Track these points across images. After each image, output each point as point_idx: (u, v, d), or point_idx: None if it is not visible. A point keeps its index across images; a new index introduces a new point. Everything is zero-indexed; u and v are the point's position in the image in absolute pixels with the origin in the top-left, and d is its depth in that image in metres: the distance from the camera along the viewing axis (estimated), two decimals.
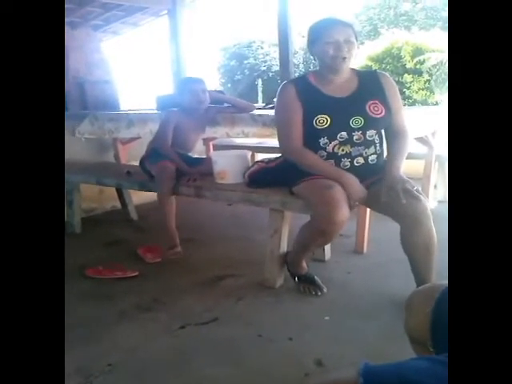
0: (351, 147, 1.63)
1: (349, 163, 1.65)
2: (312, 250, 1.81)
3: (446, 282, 0.77)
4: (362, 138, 1.64)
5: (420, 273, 1.58)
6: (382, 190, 1.57)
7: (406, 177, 1.61)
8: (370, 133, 1.65)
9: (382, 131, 1.74)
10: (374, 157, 1.68)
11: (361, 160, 1.66)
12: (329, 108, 1.64)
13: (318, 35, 1.63)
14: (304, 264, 1.82)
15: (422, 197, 1.54)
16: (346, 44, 1.58)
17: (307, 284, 1.78)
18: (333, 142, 1.63)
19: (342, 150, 1.64)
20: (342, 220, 1.52)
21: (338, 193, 1.57)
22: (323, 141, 1.64)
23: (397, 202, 1.51)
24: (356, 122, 1.63)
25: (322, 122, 1.62)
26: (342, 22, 1.63)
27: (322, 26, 1.64)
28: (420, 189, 1.59)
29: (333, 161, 1.65)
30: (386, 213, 1.61)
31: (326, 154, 1.65)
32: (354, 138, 1.63)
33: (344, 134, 1.63)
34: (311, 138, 1.66)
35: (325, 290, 1.76)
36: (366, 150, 1.65)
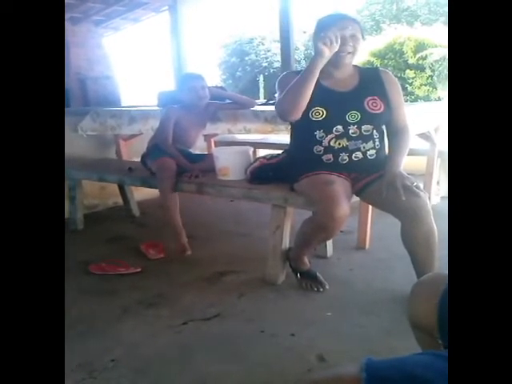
0: (348, 141, 1.63)
1: (347, 158, 1.64)
2: (313, 245, 1.81)
3: None
4: (358, 133, 1.63)
5: (421, 269, 1.58)
6: (381, 186, 1.57)
7: (408, 173, 1.61)
8: (366, 127, 1.64)
9: (383, 127, 1.74)
10: (372, 152, 1.67)
11: (359, 155, 1.65)
12: (325, 101, 1.64)
13: (324, 29, 1.62)
14: (306, 260, 1.82)
15: (421, 193, 1.53)
16: (352, 39, 1.59)
17: (309, 280, 1.79)
18: (329, 136, 1.63)
19: (339, 144, 1.63)
20: (342, 216, 1.52)
21: (338, 189, 1.57)
22: (319, 134, 1.64)
23: (396, 199, 1.51)
24: (352, 116, 1.62)
25: (317, 114, 1.62)
26: (349, 18, 1.64)
27: (329, 20, 1.64)
28: (420, 185, 1.59)
29: (331, 155, 1.65)
30: (387, 209, 1.61)
31: (322, 148, 1.65)
32: (350, 131, 1.62)
33: (340, 127, 1.62)
34: (307, 130, 1.66)
35: (327, 286, 1.77)
36: (364, 144, 1.65)
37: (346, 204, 1.53)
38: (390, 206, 1.58)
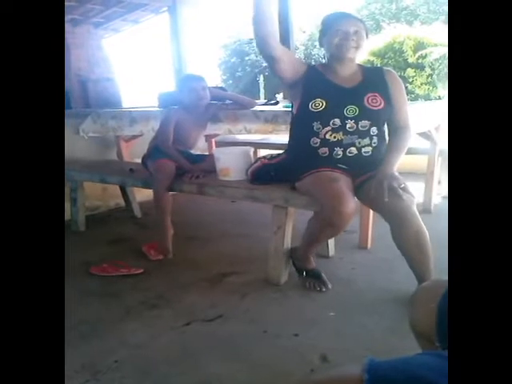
0: (343, 135, 1.63)
1: (341, 152, 1.65)
2: (321, 242, 1.81)
3: None
4: (355, 127, 1.64)
5: (417, 270, 1.59)
6: (371, 185, 1.57)
7: (409, 172, 1.61)
8: (364, 123, 1.64)
9: (385, 127, 1.74)
10: (368, 149, 1.67)
11: (354, 150, 1.65)
12: (326, 93, 1.66)
13: (329, 25, 1.67)
14: (312, 259, 1.82)
15: (405, 195, 1.52)
16: (355, 35, 1.62)
17: (313, 279, 1.79)
18: (325, 128, 1.64)
19: (334, 137, 1.64)
20: (350, 212, 1.52)
21: (344, 185, 1.57)
22: (316, 125, 1.65)
23: (382, 200, 1.51)
24: (350, 111, 1.63)
25: (317, 105, 1.64)
26: (353, 16, 1.70)
27: (335, 16, 1.69)
28: (408, 186, 1.57)
29: (326, 149, 1.65)
30: (375, 210, 1.63)
31: (319, 140, 1.65)
32: (347, 126, 1.63)
33: (337, 120, 1.63)
34: (305, 122, 1.67)
35: (330, 286, 1.77)
36: (360, 140, 1.65)
37: (352, 200, 1.54)
38: (378, 207, 1.59)
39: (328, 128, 1.64)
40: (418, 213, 1.54)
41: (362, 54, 1.69)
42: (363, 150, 1.66)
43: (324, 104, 1.63)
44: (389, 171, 1.59)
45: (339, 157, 1.65)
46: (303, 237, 1.75)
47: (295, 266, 1.85)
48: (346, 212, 1.51)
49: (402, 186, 1.54)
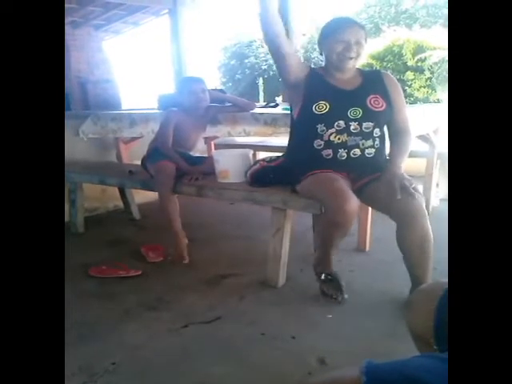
0: (347, 136, 1.64)
1: (345, 154, 1.66)
2: (333, 244, 1.69)
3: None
4: (359, 129, 1.65)
5: (414, 271, 1.58)
6: (379, 186, 1.57)
7: (408, 175, 1.61)
8: (367, 125, 1.65)
9: (385, 129, 1.74)
10: (371, 150, 1.68)
11: (357, 152, 1.66)
12: (329, 96, 1.67)
13: (330, 32, 1.66)
14: (331, 262, 1.74)
15: (417, 194, 1.53)
16: (356, 45, 1.62)
17: (331, 285, 1.70)
18: (329, 130, 1.65)
19: (338, 139, 1.65)
20: (353, 210, 1.52)
21: (344, 184, 1.58)
22: (320, 128, 1.65)
23: (392, 199, 1.51)
24: (354, 112, 1.64)
25: (321, 107, 1.64)
26: (356, 23, 1.68)
27: (337, 24, 1.67)
28: (419, 187, 1.59)
29: (330, 150, 1.66)
30: (383, 210, 1.62)
31: (323, 142, 1.66)
32: (351, 127, 1.64)
33: (341, 122, 1.64)
34: (309, 124, 1.68)
35: (346, 296, 1.67)
36: (363, 141, 1.66)
37: (354, 198, 1.54)
38: (387, 207, 1.59)
39: (332, 130, 1.64)
40: (427, 214, 1.54)
41: (361, 59, 1.69)
42: (366, 151, 1.67)
43: (328, 106, 1.64)
44: (398, 171, 1.60)
45: (343, 158, 1.66)
46: (316, 243, 1.74)
47: (315, 271, 1.76)
48: (349, 210, 1.51)
49: (413, 185, 1.55)
